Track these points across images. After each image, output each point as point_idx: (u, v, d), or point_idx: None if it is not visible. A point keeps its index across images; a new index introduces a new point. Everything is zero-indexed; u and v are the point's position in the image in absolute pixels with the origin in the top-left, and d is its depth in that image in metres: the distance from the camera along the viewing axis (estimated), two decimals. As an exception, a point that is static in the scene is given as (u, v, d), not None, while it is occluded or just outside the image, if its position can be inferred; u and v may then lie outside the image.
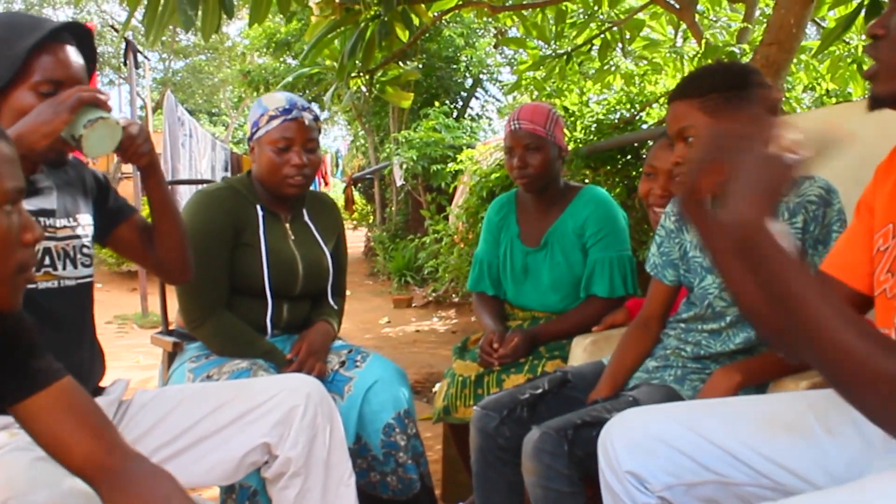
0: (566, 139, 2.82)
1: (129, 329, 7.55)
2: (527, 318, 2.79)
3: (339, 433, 1.97)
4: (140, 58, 8.80)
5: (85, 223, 1.84)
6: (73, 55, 1.71)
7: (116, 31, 7.39)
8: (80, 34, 1.74)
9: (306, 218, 2.55)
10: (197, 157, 8.95)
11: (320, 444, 1.89)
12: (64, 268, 1.74)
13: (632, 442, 1.50)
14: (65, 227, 1.77)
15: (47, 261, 1.71)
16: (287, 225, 2.49)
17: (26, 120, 1.61)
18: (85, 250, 1.81)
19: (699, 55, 4.66)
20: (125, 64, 7.26)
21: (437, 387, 2.71)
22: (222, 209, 2.37)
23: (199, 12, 2.63)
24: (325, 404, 1.93)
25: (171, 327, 2.67)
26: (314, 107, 2.45)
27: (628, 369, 2.04)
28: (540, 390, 2.07)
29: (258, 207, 2.42)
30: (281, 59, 14.70)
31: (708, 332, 1.93)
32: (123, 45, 7.14)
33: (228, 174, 9.94)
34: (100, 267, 10.64)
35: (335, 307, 2.61)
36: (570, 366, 2.33)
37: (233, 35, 22.76)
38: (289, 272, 2.43)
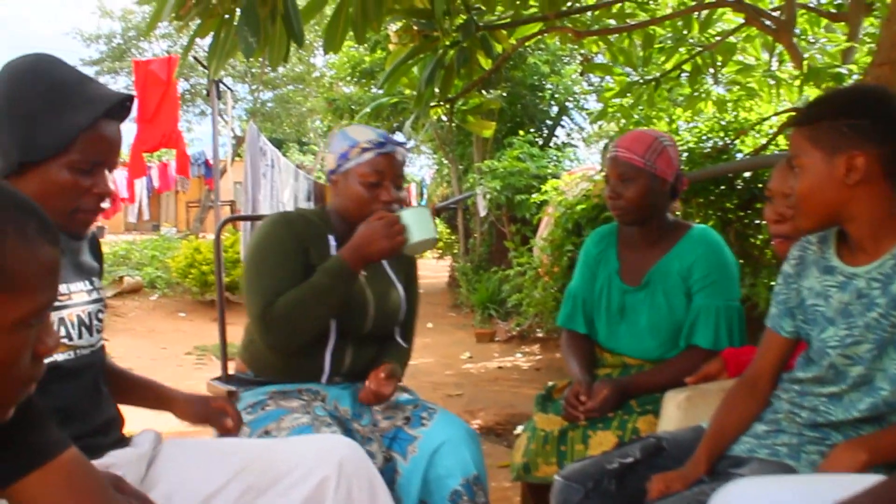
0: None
1: (208, 361, 7.54)
2: (616, 364, 2.56)
3: (384, 502, 1.75)
4: (225, 89, 8.86)
5: (98, 285, 1.69)
6: (117, 132, 1.56)
7: (203, 65, 7.41)
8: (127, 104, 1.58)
9: None
10: (279, 187, 8.92)
11: None
12: (80, 336, 1.59)
13: None
14: (80, 290, 1.61)
15: (63, 331, 1.54)
16: None
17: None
18: (100, 315, 1.65)
19: (800, 78, 4.40)
20: (208, 95, 7.30)
21: (518, 429, 2.48)
22: (291, 229, 2.22)
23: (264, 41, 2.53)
24: (363, 473, 1.71)
25: (230, 372, 2.52)
26: (401, 138, 2.27)
27: (729, 438, 1.77)
28: (630, 459, 1.83)
29: (330, 238, 2.27)
30: (366, 89, 14.73)
31: (826, 396, 1.65)
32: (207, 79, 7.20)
33: (311, 204, 9.90)
34: (184, 296, 10.68)
35: (404, 347, 2.42)
36: (663, 431, 2.07)
37: (320, 65, 23.09)
38: (359, 309, 2.26)
